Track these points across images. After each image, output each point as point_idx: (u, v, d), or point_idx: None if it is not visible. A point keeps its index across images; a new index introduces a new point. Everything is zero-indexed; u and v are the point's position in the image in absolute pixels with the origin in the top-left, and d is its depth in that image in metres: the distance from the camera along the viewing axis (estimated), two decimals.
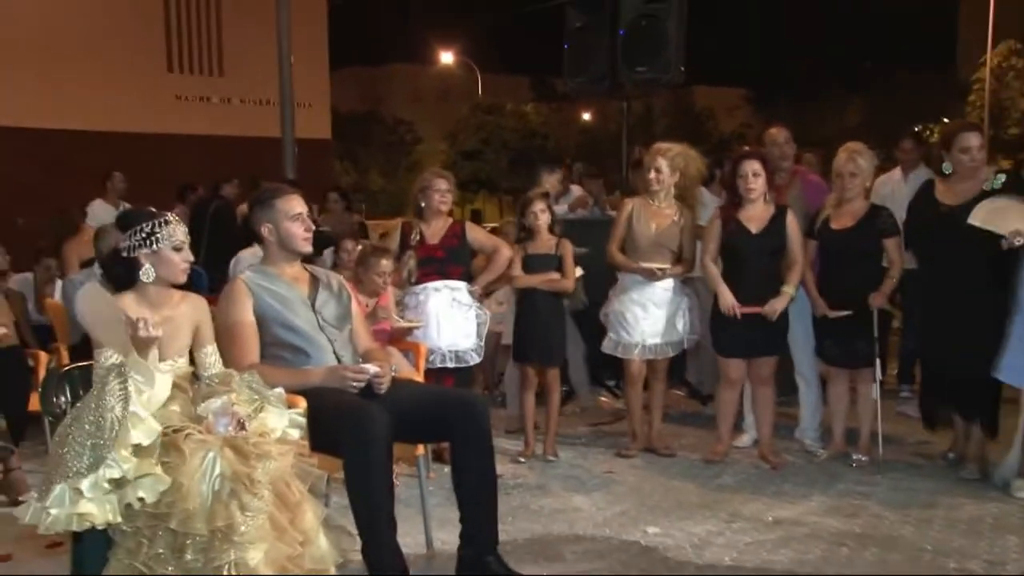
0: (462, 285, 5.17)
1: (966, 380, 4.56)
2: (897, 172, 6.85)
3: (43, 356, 5.01)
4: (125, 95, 13.40)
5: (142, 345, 3.01)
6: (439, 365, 5.03)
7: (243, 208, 8.42)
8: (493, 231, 6.61)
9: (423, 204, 5.21)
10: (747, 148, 5.84)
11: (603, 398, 6.79)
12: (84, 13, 13.21)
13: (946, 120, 28.85)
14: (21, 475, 4.59)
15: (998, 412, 4.64)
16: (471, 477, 3.45)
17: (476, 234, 5.34)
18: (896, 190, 6.70)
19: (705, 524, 4.12)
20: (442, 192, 5.19)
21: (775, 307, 4.88)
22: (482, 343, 5.21)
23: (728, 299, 4.92)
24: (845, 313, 4.83)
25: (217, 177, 9.65)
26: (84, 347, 5.26)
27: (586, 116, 37.88)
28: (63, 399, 3.20)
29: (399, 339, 4.92)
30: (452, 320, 5.10)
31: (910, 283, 5.09)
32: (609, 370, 6.75)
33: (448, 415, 3.48)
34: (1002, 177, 4.53)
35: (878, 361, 4.90)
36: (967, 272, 4.52)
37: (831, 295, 4.91)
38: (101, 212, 8.90)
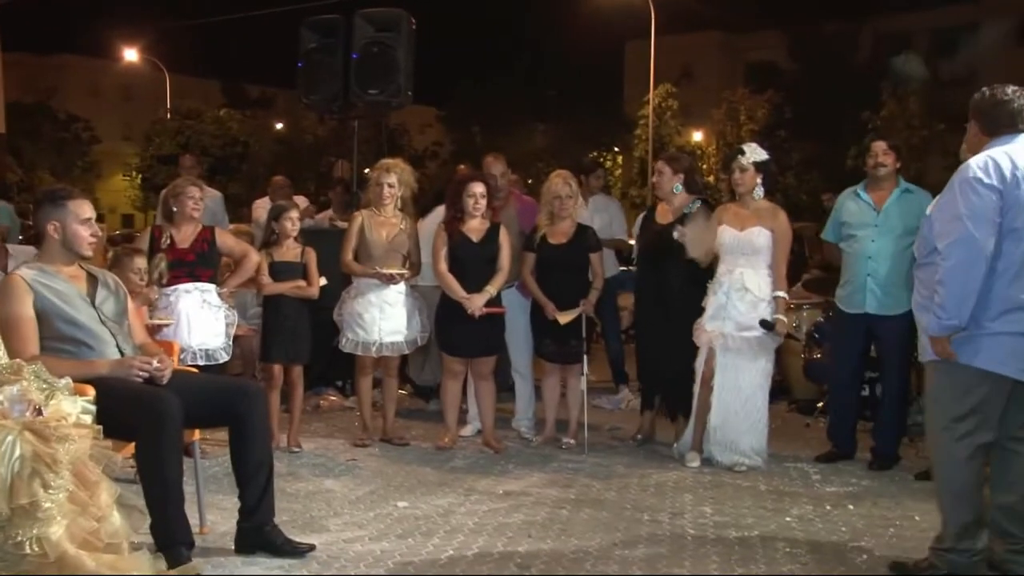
0: (211, 287, 5.43)
1: (671, 378, 5.61)
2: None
3: None
4: None
5: None
6: (190, 363, 5.24)
7: None
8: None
9: (175, 209, 5.42)
10: (470, 170, 6.56)
11: (332, 396, 7.20)
12: None
13: (616, 149, 31.88)
14: None
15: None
16: (251, 456, 3.80)
17: (225, 239, 5.61)
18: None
19: (446, 498, 4.72)
20: (196, 199, 5.44)
21: (475, 302, 5.56)
22: (230, 342, 5.49)
23: (475, 301, 5.54)
24: (575, 313, 5.64)
25: None
26: None
27: (279, 126, 37.56)
28: None
29: (150, 336, 5.08)
30: (202, 320, 5.34)
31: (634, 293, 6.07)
32: (339, 370, 7.19)
33: (229, 401, 3.81)
34: (697, 203, 5.59)
35: (585, 358, 5.78)
36: (672, 279, 5.54)
37: (551, 300, 5.69)
38: None
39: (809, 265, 9.33)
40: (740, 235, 5.30)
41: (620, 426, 6.32)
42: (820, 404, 6.63)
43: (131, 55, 35.24)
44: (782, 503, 4.70)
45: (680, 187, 5.64)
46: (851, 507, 4.65)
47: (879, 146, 5.50)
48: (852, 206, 5.51)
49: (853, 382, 5.67)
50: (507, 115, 31.38)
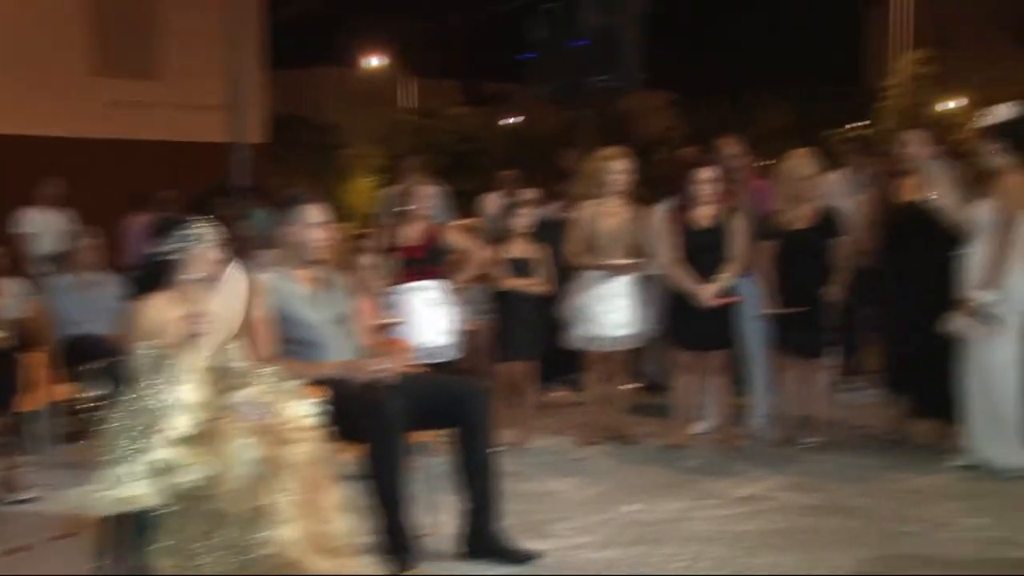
0: (440, 284, 5.46)
1: (920, 371, 5.05)
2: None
3: (35, 356, 5.07)
4: (52, 100, 13.03)
5: (193, 339, 3.25)
6: (420, 360, 5.29)
7: None
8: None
9: (403, 208, 5.51)
10: (696, 154, 6.22)
11: (560, 392, 7.10)
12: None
13: (867, 122, 30.00)
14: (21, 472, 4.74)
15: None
16: (476, 458, 3.74)
17: (452, 236, 5.64)
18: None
19: (679, 501, 4.48)
20: (422, 198, 5.50)
21: (707, 291, 5.26)
22: (460, 339, 5.51)
23: (707, 291, 5.27)
24: (798, 309, 5.23)
25: (155, 184, 9.58)
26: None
27: (512, 120, 38.26)
28: (97, 392, 3.40)
29: (382, 335, 5.17)
30: (432, 318, 5.39)
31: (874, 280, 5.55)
32: (567, 365, 7.07)
33: (454, 402, 3.77)
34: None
35: (829, 351, 5.34)
36: (916, 260, 5.04)
37: (791, 290, 5.29)
38: (36, 218, 8.89)
39: None
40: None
41: (869, 424, 5.80)
42: None
43: (373, 62, 37.00)
44: None
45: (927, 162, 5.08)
46: None
47: None
48: None
49: None
50: (742, 95, 30.30)
